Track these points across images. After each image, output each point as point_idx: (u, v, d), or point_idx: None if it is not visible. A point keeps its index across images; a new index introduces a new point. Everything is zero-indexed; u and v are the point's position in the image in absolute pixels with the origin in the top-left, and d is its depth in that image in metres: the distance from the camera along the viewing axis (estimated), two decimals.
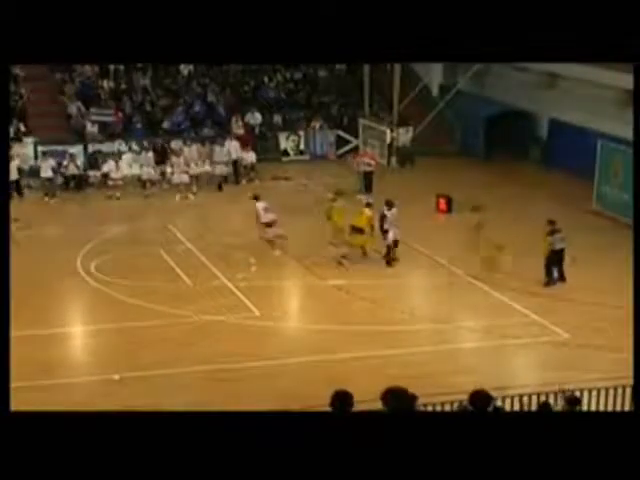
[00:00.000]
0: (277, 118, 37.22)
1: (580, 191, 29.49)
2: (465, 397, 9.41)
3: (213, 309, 20.87)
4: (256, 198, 25.63)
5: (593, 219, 28.05)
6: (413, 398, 8.58)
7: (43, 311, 20.71)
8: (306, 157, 36.55)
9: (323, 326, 20.17)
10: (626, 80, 24.10)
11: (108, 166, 32.29)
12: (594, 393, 14.02)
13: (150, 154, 33.17)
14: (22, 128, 33.42)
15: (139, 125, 35.08)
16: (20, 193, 30.63)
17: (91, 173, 32.60)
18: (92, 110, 34.94)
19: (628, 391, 13.07)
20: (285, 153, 36.49)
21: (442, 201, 29.09)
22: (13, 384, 8.46)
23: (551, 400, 12.87)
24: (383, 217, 23.96)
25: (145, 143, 33.96)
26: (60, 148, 32.72)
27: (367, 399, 8.56)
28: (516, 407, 13.29)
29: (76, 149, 33.03)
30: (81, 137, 34.10)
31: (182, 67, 37.41)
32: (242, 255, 24.18)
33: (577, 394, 12.23)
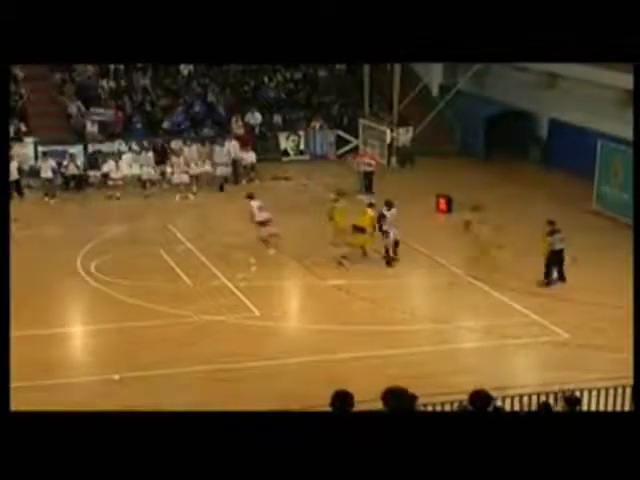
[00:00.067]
0: (277, 118, 37.22)
1: (580, 191, 29.49)
2: (465, 397, 9.41)
3: (213, 309, 20.87)
4: (250, 197, 25.57)
5: (593, 219, 28.05)
6: (413, 398, 8.58)
7: (43, 311, 20.71)
8: (306, 157, 36.55)
9: (323, 326, 20.17)
10: (626, 80, 24.10)
11: (108, 166, 32.29)
12: (594, 393, 14.02)
13: (150, 154, 33.17)
14: (22, 128, 33.43)
15: (139, 125, 35.09)
16: (20, 193, 30.63)
17: (91, 173, 32.60)
18: (92, 110, 34.95)
19: (628, 391, 13.07)
20: (285, 153, 36.49)
21: (442, 201, 29.09)
22: (13, 384, 8.46)
23: (551, 400, 12.86)
24: (382, 217, 23.95)
25: (145, 143, 33.96)
26: (60, 148, 32.72)
27: (367, 399, 8.56)
28: (516, 407, 13.29)
29: (76, 149, 33.03)
30: (81, 137, 34.11)
31: (182, 67, 37.41)
32: (242, 255, 24.17)
33: (577, 394, 12.23)
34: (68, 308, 21.86)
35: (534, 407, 12.90)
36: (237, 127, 35.48)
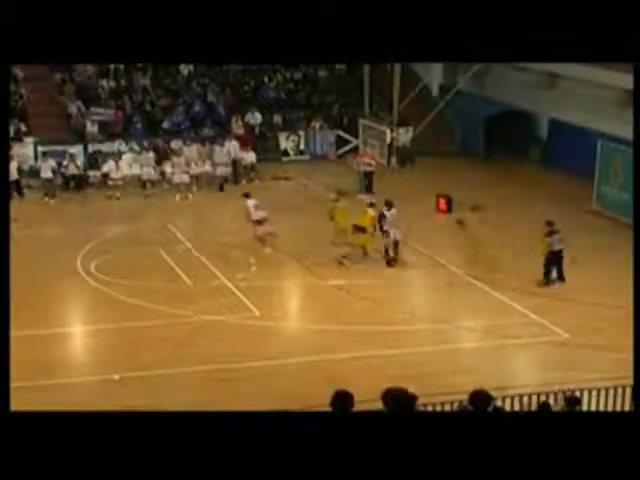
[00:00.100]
0: (277, 118, 37.22)
1: (580, 191, 29.49)
2: (465, 397, 9.42)
3: (213, 309, 20.87)
4: (246, 196, 25.50)
5: (593, 219, 28.05)
6: (413, 398, 8.58)
7: (43, 311, 20.71)
8: (306, 157, 36.56)
9: (323, 326, 20.17)
10: (626, 80, 24.10)
11: (108, 166, 32.30)
12: (594, 393, 14.02)
13: (150, 154, 33.18)
14: (22, 128, 33.43)
15: (139, 125, 35.09)
16: (20, 193, 30.63)
17: (91, 173, 32.60)
18: (92, 110, 34.95)
19: (628, 391, 13.07)
20: (285, 153, 36.49)
21: (442, 201, 29.09)
22: (13, 384, 8.46)
23: (551, 400, 12.86)
24: (382, 217, 23.94)
25: (145, 143, 33.97)
26: (60, 148, 32.72)
27: (367, 399, 8.56)
28: (516, 407, 13.29)
29: (76, 149, 33.03)
30: (81, 137, 34.11)
31: (182, 67, 37.41)
32: (242, 255, 24.17)
33: (577, 394, 12.23)
34: (68, 308, 21.86)
35: (534, 407, 12.90)
36: (237, 127, 35.48)
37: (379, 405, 7.97)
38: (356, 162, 32.47)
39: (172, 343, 19.14)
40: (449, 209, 28.98)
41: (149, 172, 32.20)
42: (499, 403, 11.82)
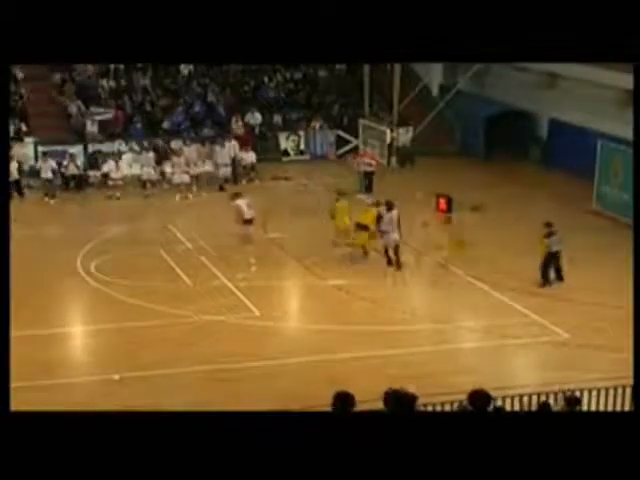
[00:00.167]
0: (277, 118, 37.22)
1: (580, 191, 29.49)
2: (465, 397, 9.41)
3: (213, 309, 20.87)
4: (237, 196, 25.31)
5: (593, 219, 28.05)
6: (413, 398, 8.58)
7: (43, 311, 20.71)
8: (306, 157, 36.56)
9: (323, 326, 20.16)
10: (626, 80, 24.09)
11: (108, 166, 32.31)
12: (594, 393, 14.01)
13: (150, 154, 33.18)
14: (22, 128, 33.43)
15: (139, 125, 35.09)
16: (20, 193, 30.63)
17: (91, 173, 32.61)
18: (92, 110, 34.95)
19: (628, 391, 13.07)
20: (285, 153, 36.49)
21: (442, 201, 29.08)
22: (13, 384, 8.46)
23: (551, 400, 12.86)
24: (379, 218, 23.86)
25: (145, 143, 33.98)
26: (60, 148, 32.73)
27: (367, 399, 8.56)
28: (516, 407, 13.28)
29: (76, 149, 33.04)
30: (81, 137, 34.11)
31: (182, 67, 37.41)
32: (242, 255, 24.15)
33: (577, 394, 12.23)
34: (68, 308, 21.86)
35: (534, 407, 12.90)
36: (237, 127, 35.48)
37: (379, 405, 7.98)
38: (356, 162, 32.46)
39: (172, 343, 19.14)
40: (449, 209, 28.97)
41: (149, 172, 32.20)
42: (499, 403, 11.82)
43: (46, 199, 30.71)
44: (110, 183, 31.83)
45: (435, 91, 39.40)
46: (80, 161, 32.62)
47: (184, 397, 16.27)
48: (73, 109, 35.02)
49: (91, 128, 34.43)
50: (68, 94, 35.62)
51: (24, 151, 32.65)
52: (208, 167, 33.02)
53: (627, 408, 13.32)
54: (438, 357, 18.61)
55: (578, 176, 30.30)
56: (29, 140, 33.12)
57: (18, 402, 8.88)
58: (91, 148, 33.57)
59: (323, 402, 8.35)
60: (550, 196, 29.75)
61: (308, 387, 16.53)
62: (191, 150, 33.67)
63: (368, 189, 30.65)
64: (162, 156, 33.28)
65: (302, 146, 36.62)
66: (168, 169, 32.47)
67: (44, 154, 32.22)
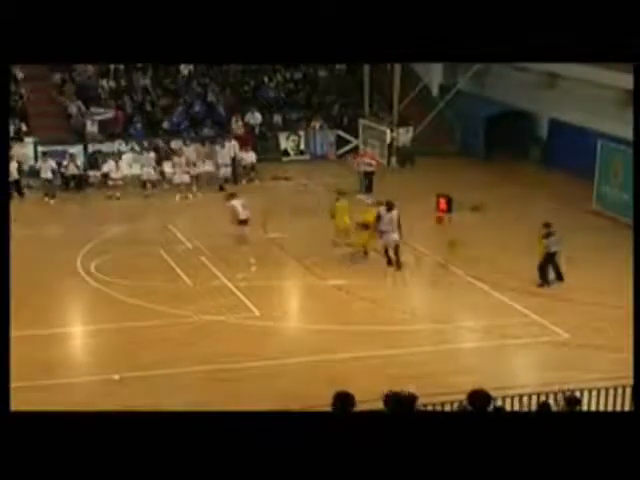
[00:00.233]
0: (277, 118, 37.22)
1: (580, 191, 29.49)
2: (465, 397, 9.41)
3: (213, 309, 20.87)
4: (232, 196, 25.26)
5: (593, 219, 28.04)
6: (413, 398, 8.58)
7: (43, 311, 20.71)
8: (306, 157, 36.55)
9: (323, 326, 20.16)
10: (626, 80, 24.09)
11: (108, 166, 32.31)
12: (594, 393, 14.01)
13: (151, 154, 33.18)
14: (22, 128, 33.43)
15: (139, 125, 35.09)
16: (20, 193, 30.63)
17: (91, 173, 32.60)
18: (92, 110, 34.95)
19: (628, 391, 13.06)
20: (285, 153, 36.49)
21: (442, 201, 29.07)
22: (13, 384, 8.46)
23: (551, 400, 12.86)
24: (379, 218, 23.83)
25: (145, 143, 33.99)
26: (60, 148, 32.72)
27: (367, 399, 8.56)
28: (516, 407, 13.28)
29: (76, 149, 33.04)
30: (81, 137, 34.11)
31: (182, 67, 37.41)
32: (242, 255, 24.15)
33: (577, 394, 12.22)
34: (68, 308, 21.86)
35: (534, 407, 12.89)
36: (237, 127, 35.48)
37: (379, 405, 7.98)
38: (356, 162, 32.45)
39: (172, 343, 19.14)
40: (449, 209, 28.97)
41: (149, 172, 32.19)
42: (499, 403, 11.82)
43: (46, 199, 30.70)
44: (110, 183, 31.83)
45: (435, 91, 39.40)
46: (80, 161, 32.62)
47: (184, 397, 16.27)
48: (73, 109, 35.01)
49: (91, 128, 34.42)
50: (68, 94, 35.62)
51: (24, 151, 32.66)
52: (208, 167, 33.01)
53: (627, 408, 13.32)
54: (438, 357, 18.61)
55: (578, 176, 30.30)
56: (29, 140, 33.12)
57: (18, 402, 8.89)
58: (91, 148, 33.57)
59: (323, 402, 8.36)
60: (550, 196, 29.75)
61: (308, 387, 16.53)
62: (191, 150, 33.66)
63: (368, 189, 30.64)
64: (162, 156, 33.28)
65: (302, 146, 36.62)
66: (168, 169, 32.47)
67: (44, 154, 32.22)
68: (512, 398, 13.38)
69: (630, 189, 25.29)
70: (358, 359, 18.32)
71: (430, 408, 12.49)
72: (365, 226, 24.06)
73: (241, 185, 32.53)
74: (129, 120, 35.33)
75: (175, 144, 34.09)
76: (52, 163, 31.59)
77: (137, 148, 33.78)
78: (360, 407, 8.18)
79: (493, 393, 9.57)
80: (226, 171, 32.93)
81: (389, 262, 23.72)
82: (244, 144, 33.79)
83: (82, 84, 36.24)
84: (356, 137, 35.74)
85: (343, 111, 37.80)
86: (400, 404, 8.01)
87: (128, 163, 33.05)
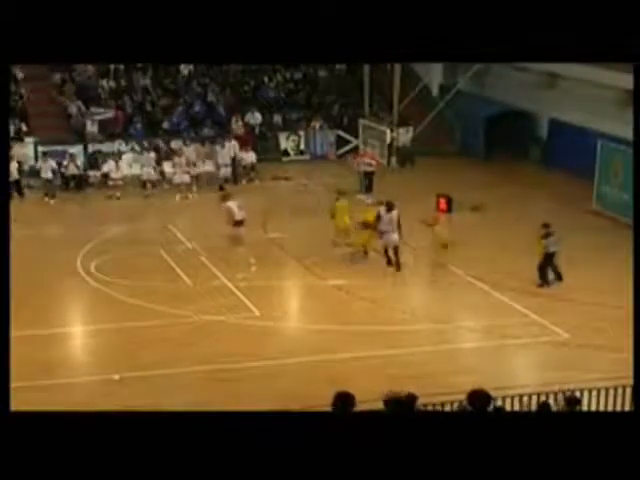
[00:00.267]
0: (277, 118, 37.21)
1: (580, 191, 29.49)
2: (465, 397, 9.41)
3: (213, 309, 20.87)
4: (227, 196, 25.22)
5: (593, 219, 28.05)
6: (413, 398, 8.58)
7: (43, 311, 20.71)
8: (306, 157, 36.55)
9: (323, 326, 20.16)
10: (626, 80, 24.09)
11: (108, 166, 32.31)
12: (594, 393, 14.01)
13: (151, 154, 33.17)
14: (22, 128, 33.43)
15: (139, 125, 35.09)
16: (20, 193, 30.63)
17: (91, 173, 32.61)
18: (92, 110, 34.95)
19: (628, 391, 13.07)
20: (285, 153, 36.49)
21: (442, 201, 29.04)
22: (13, 384, 8.46)
23: (551, 400, 12.86)
24: (379, 217, 23.82)
25: (145, 143, 33.99)
26: (60, 148, 32.72)
27: (367, 399, 8.56)
28: (516, 407, 13.28)
29: (76, 149, 33.04)
30: (81, 137, 34.11)
31: (182, 67, 37.40)
32: (242, 255, 24.15)
33: (577, 394, 12.23)
34: (68, 308, 21.86)
35: (534, 407, 12.90)
36: (237, 127, 35.47)
37: (379, 405, 7.98)
38: (356, 162, 32.45)
39: (172, 343, 19.14)
40: (449, 209, 28.95)
41: (149, 172, 32.19)
42: (499, 403, 11.82)
43: (46, 199, 30.70)
44: (110, 183, 31.83)
45: (435, 91, 39.40)
46: (80, 161, 32.62)
47: (184, 397, 16.27)
48: (73, 109, 35.01)
49: (91, 128, 34.42)
50: (68, 94, 35.62)
51: (24, 151, 32.66)
52: (208, 167, 33.02)
53: (627, 408, 13.32)
54: (438, 357, 18.61)
55: (578, 176, 30.29)
56: (29, 140, 33.12)
57: (18, 402, 8.89)
58: (91, 148, 33.56)
59: (323, 402, 8.36)
60: (550, 196, 29.75)
61: (308, 387, 16.53)
62: (191, 150, 33.66)
63: (368, 189, 30.64)
64: (162, 156, 33.29)
65: (302, 146, 36.62)
66: (168, 169, 32.47)
67: (44, 154, 32.22)
68: (512, 398, 13.38)
69: (630, 189, 25.29)
70: (358, 359, 18.32)
71: (430, 408, 12.49)
72: (367, 225, 24.02)
73: (241, 185, 32.54)
74: (129, 120, 35.33)
75: (175, 144, 34.09)
76: (52, 163, 31.59)
77: (137, 148, 33.78)
78: (360, 407, 8.18)
79: (493, 393, 9.57)
80: (226, 171, 32.94)
81: (389, 262, 23.70)
82: (244, 144, 33.78)
83: (82, 84, 36.24)
84: (356, 137, 35.74)
85: (343, 111, 37.80)
86: (400, 405, 8.01)
87: (128, 163, 33.05)
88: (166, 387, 17.04)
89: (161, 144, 34.04)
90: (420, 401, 9.50)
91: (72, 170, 31.95)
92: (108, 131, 34.63)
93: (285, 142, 36.48)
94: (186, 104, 36.48)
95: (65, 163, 31.99)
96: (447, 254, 23.53)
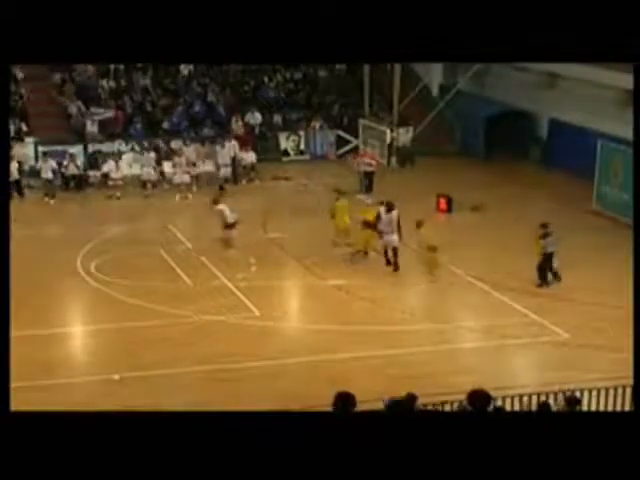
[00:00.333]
0: (277, 118, 37.21)
1: (580, 191, 29.49)
2: (465, 397, 9.41)
3: (213, 309, 20.87)
4: (218, 200, 25.20)
5: (593, 219, 28.05)
6: (413, 398, 8.59)
7: (43, 311, 20.71)
8: (306, 157, 36.55)
9: (323, 326, 20.16)
10: (626, 80, 24.09)
11: (108, 166, 32.32)
12: (594, 393, 14.02)
13: (151, 154, 33.17)
14: (23, 128, 33.43)
15: (139, 125, 35.09)
16: (20, 193, 30.63)
17: (91, 173, 32.61)
18: (92, 110, 34.95)
19: (628, 391, 13.08)
20: (285, 153, 36.49)
21: (442, 201, 29.09)
22: (13, 384, 8.46)
23: (551, 400, 12.86)
24: (378, 218, 23.80)
25: (145, 143, 33.99)
26: (60, 148, 32.74)
27: (367, 399, 8.56)
28: (516, 407, 13.28)
29: (76, 149, 33.04)
30: (81, 137, 34.11)
31: (182, 67, 37.40)
32: (242, 255, 24.16)
33: (577, 394, 12.23)
34: (68, 308, 21.86)
35: (534, 407, 12.90)
36: (237, 127, 35.48)
37: (379, 405, 7.98)
38: (356, 162, 32.46)
39: (172, 343, 19.14)
40: (449, 209, 28.98)
41: (149, 172, 32.19)
42: (499, 403, 11.82)
43: (46, 199, 30.70)
44: (110, 183, 31.83)
45: (435, 91, 39.40)
46: (80, 161, 32.62)
47: (184, 397, 16.27)
48: (73, 109, 35.01)
49: (91, 128, 34.43)
50: (68, 94, 35.62)
51: (24, 151, 32.66)
52: (208, 167, 33.03)
53: (627, 408, 13.32)
54: (438, 357, 18.61)
55: (578, 176, 30.30)
56: (29, 140, 33.13)
57: (18, 402, 8.89)
58: (91, 148, 33.57)
59: (323, 402, 8.36)
60: (550, 196, 29.75)
61: (308, 387, 16.53)
62: (191, 150, 33.66)
63: (368, 189, 30.65)
64: (162, 156, 33.29)
65: (302, 146, 36.62)
66: (168, 169, 32.48)
67: (44, 154, 32.23)
68: (512, 398, 13.39)
69: (630, 189, 25.29)
70: (358, 359, 18.32)
71: (430, 408, 12.49)
72: (368, 224, 23.97)
73: (241, 185, 32.55)
74: (129, 120, 35.33)
75: (175, 144, 34.10)
76: (52, 163, 31.60)
77: (137, 148, 33.79)
78: (360, 407, 8.18)
79: (493, 393, 9.58)
80: (226, 171, 32.95)
81: (388, 262, 23.70)
82: (244, 144, 33.79)
83: (82, 84, 36.24)
84: (356, 137, 35.75)
85: (343, 111, 37.80)
86: (400, 406, 8.02)
87: (128, 163, 33.06)
88: (166, 387, 17.05)
89: (161, 144, 34.05)
90: (420, 401, 9.51)
91: (72, 170, 31.96)
92: (108, 131, 34.64)
93: (285, 142, 36.48)
94: (186, 104, 36.48)
95: (65, 163, 32.00)
96: (435, 258, 22.99)
